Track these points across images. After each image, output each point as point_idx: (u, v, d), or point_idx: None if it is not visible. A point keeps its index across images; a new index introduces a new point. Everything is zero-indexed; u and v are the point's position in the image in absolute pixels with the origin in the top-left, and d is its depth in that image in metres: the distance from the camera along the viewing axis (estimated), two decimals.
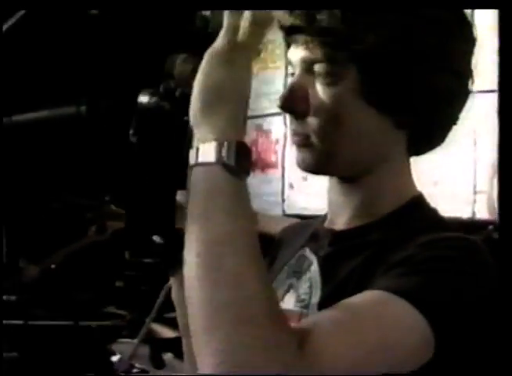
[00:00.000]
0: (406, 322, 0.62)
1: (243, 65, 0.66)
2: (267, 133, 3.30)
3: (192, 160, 0.64)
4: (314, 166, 0.78)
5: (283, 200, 3.31)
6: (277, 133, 3.30)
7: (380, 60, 0.74)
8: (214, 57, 0.66)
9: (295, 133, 0.78)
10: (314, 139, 0.76)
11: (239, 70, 0.66)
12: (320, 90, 0.76)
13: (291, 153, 3.07)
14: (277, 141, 3.29)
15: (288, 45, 0.80)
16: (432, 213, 0.80)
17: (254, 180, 3.36)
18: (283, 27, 0.78)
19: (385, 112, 0.76)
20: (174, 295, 0.86)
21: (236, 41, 0.66)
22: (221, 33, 0.66)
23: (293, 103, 0.77)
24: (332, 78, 0.75)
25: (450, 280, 0.65)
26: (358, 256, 0.75)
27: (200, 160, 0.64)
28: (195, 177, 0.64)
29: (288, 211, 3.23)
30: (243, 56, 0.67)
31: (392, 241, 0.73)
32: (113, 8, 0.92)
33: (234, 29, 0.66)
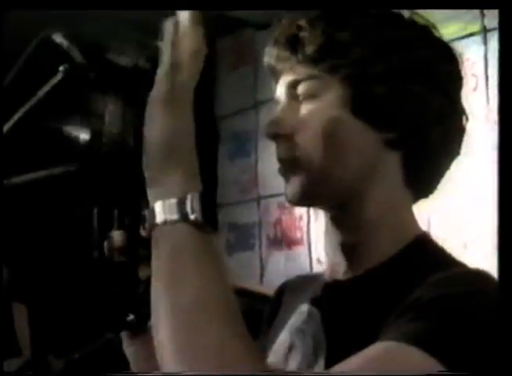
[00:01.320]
0: (419, 369, 0.58)
1: (188, 106, 0.63)
2: (290, 210, 3.30)
3: (151, 220, 0.60)
4: (303, 192, 0.74)
5: None
6: (300, 210, 3.29)
7: (365, 72, 0.72)
8: (157, 105, 0.62)
9: (282, 161, 0.76)
10: (302, 160, 0.73)
11: (185, 113, 0.63)
12: (305, 108, 0.74)
13: (316, 229, 3.06)
14: (301, 217, 3.27)
15: (275, 78, 0.79)
16: (440, 252, 0.75)
17: (280, 258, 3.33)
18: (269, 66, 0.78)
19: (373, 125, 0.73)
20: (129, 351, 0.81)
21: (178, 80, 0.62)
22: (160, 73, 0.63)
23: (278, 127, 0.74)
24: (316, 93, 0.73)
25: (460, 318, 0.61)
26: (363, 308, 0.71)
27: (161, 219, 0.59)
28: (157, 238, 0.60)
29: None
30: (187, 94, 0.64)
31: (398, 288, 0.68)
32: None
33: (173, 67, 0.62)
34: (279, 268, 3.29)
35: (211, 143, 3.40)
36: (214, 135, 3.46)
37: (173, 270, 0.58)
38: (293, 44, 0.74)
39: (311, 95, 0.74)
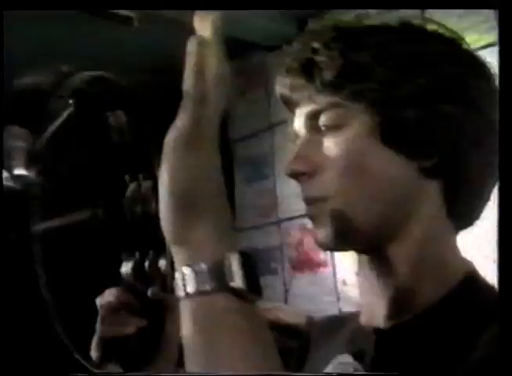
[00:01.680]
0: None
1: (215, 144, 0.54)
2: (312, 232, 3.24)
3: (179, 292, 0.51)
4: (335, 239, 0.66)
5: (339, 299, 3.19)
6: None
7: (392, 95, 0.65)
8: (179, 145, 0.52)
9: (308, 201, 0.68)
10: (330, 200, 0.65)
11: (212, 153, 0.55)
12: (328, 141, 0.66)
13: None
14: None
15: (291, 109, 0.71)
16: (490, 292, 0.65)
17: (304, 281, 3.26)
18: (283, 97, 0.71)
19: (406, 153, 0.65)
20: None
21: (203, 113, 0.53)
22: (183, 106, 0.54)
23: (300, 165, 0.67)
24: (339, 123, 0.65)
25: None
26: (410, 360, 0.62)
27: (192, 289, 0.49)
28: (188, 309, 0.50)
29: (345, 309, 3.11)
30: (214, 129, 0.54)
31: (452, 336, 0.60)
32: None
33: (199, 97, 0.53)
34: (304, 291, 3.23)
35: (227, 168, 3.36)
36: (228, 159, 3.42)
37: (211, 348, 0.49)
38: (308, 70, 0.67)
39: (334, 126, 0.67)
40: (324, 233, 0.67)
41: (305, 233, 3.26)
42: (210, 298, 0.50)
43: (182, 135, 0.53)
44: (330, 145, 0.67)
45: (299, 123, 0.71)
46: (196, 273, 0.50)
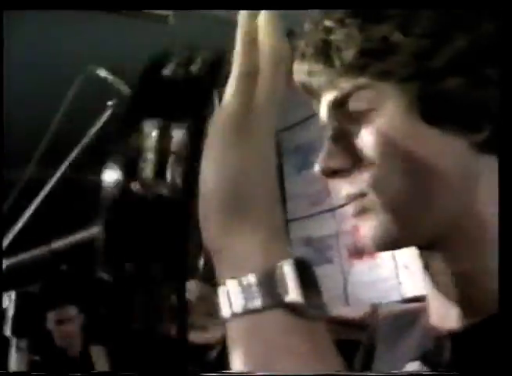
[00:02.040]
0: None
1: (269, 133, 0.47)
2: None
3: (224, 312, 0.43)
4: (386, 238, 0.57)
5: (400, 283, 3.11)
6: None
7: (426, 67, 0.56)
8: (225, 133, 0.45)
9: (350, 198, 0.58)
10: (373, 193, 0.56)
11: (265, 144, 0.46)
12: (362, 129, 0.57)
13: None
14: None
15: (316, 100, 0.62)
16: None
17: (363, 268, 3.19)
18: (304, 86, 0.62)
19: (453, 129, 0.56)
20: None
21: (253, 93, 0.46)
22: (230, 88, 0.47)
23: (333, 161, 0.58)
24: (371, 107, 0.57)
25: None
26: (487, 365, 0.52)
27: (239, 307, 0.42)
28: (237, 337, 0.43)
29: (407, 295, 3.02)
30: (268, 117, 0.46)
31: None
32: None
33: (249, 77, 0.46)
34: (363, 278, 3.15)
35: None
36: (276, 149, 3.37)
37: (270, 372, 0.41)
38: (325, 53, 0.59)
39: (365, 112, 0.58)
40: (371, 234, 0.58)
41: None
42: (262, 317, 0.41)
43: (233, 117, 0.45)
44: (365, 133, 0.57)
45: (324, 113, 0.62)
46: (244, 288, 0.42)
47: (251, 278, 0.42)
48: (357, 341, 0.76)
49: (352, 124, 0.59)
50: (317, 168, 0.59)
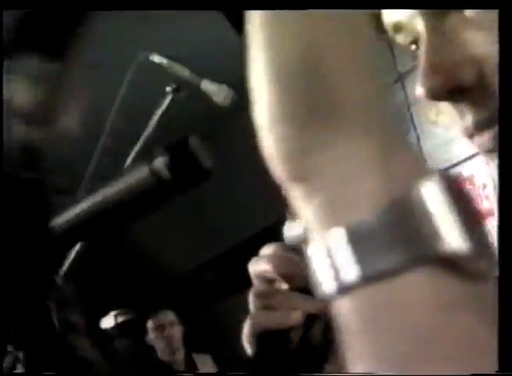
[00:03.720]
0: None
1: None
2: (470, 180, 2.97)
3: (325, 284, 0.28)
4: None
5: None
6: (481, 176, 2.94)
7: None
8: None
9: (478, 127, 0.48)
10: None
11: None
12: (471, 34, 0.47)
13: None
14: (484, 186, 2.93)
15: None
16: None
17: None
18: (391, 25, 0.53)
19: None
20: None
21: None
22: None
23: (439, 77, 0.47)
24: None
25: None
26: None
27: (353, 275, 0.26)
28: (350, 316, 0.27)
29: None
30: None
31: None
32: None
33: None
34: None
35: None
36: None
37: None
38: None
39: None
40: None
41: (463, 181, 2.99)
42: (395, 285, 0.26)
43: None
44: (474, 38, 0.47)
45: (418, 23, 0.50)
46: (357, 238, 0.26)
47: (369, 220, 0.26)
48: None
49: (452, 31, 0.49)
50: (421, 91, 0.47)
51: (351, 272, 0.26)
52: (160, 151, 0.47)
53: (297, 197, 0.29)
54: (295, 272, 0.58)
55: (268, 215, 3.10)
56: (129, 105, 1.30)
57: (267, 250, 0.61)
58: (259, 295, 0.61)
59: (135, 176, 0.48)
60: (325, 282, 0.27)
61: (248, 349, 0.60)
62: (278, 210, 0.53)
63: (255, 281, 0.61)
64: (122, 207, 0.49)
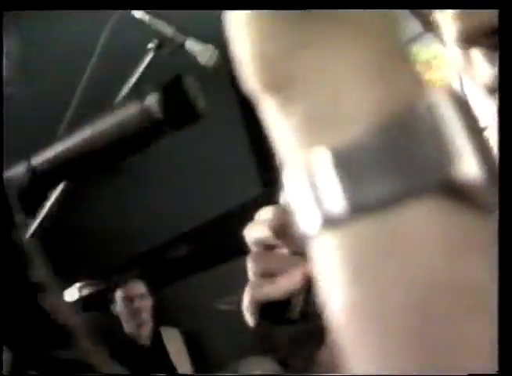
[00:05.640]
0: None
1: None
2: None
3: (313, 219, 0.23)
4: None
5: None
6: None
7: None
8: None
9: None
10: None
11: None
12: None
13: None
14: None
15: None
16: None
17: None
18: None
19: None
20: None
21: None
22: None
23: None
24: None
25: None
26: None
27: (349, 207, 0.22)
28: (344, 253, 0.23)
29: None
30: None
31: None
32: None
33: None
34: None
35: None
36: None
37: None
38: None
39: None
40: None
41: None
42: (398, 216, 0.21)
43: None
44: None
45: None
46: (348, 160, 0.22)
47: (362, 139, 0.21)
48: None
49: None
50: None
51: (338, 202, 0.22)
52: (152, 88, 0.45)
53: (272, 110, 0.23)
54: (296, 235, 0.53)
55: (243, 190, 3.05)
56: (107, 61, 1.23)
57: (265, 214, 0.56)
58: (258, 260, 0.57)
59: (124, 112, 0.45)
60: (306, 215, 0.23)
61: (249, 320, 0.58)
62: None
63: (253, 247, 0.58)
64: (110, 144, 0.46)
